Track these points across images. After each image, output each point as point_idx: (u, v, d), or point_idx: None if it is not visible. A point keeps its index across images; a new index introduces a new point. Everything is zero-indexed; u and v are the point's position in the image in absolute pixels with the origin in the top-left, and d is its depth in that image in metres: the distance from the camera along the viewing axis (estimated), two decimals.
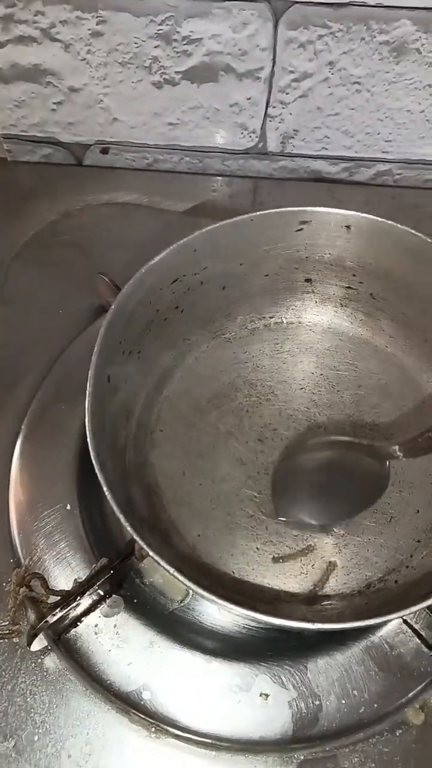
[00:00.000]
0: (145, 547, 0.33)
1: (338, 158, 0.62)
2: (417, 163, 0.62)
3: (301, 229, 0.44)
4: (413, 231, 0.42)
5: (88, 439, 0.36)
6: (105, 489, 0.34)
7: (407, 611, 0.32)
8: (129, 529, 0.33)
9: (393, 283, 0.46)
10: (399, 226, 0.42)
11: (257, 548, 0.43)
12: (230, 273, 0.47)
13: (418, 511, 0.44)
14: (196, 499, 0.44)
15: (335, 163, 0.63)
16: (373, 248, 0.44)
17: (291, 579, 0.42)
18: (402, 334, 0.48)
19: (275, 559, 0.42)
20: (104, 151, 0.64)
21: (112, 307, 0.39)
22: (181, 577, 0.31)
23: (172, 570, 0.32)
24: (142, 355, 0.45)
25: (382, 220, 0.42)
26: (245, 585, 0.42)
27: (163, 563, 0.32)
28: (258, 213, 0.42)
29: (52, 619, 0.40)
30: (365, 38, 0.52)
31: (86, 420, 0.36)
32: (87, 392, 0.37)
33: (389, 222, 0.42)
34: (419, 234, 0.43)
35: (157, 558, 0.33)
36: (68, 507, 0.46)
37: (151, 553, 0.33)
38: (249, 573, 0.42)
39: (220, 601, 0.32)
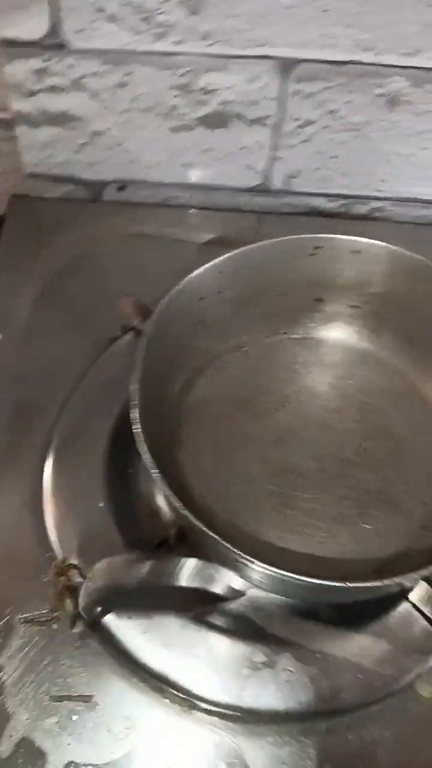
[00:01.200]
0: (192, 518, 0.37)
1: (336, 195, 0.68)
2: (407, 200, 0.68)
3: (314, 254, 0.49)
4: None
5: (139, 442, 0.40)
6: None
7: None
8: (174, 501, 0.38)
9: (396, 302, 0.52)
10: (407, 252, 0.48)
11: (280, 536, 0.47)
12: (250, 292, 0.52)
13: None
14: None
15: (333, 200, 0.68)
16: (379, 271, 0.50)
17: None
18: (404, 348, 0.54)
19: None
20: (121, 189, 0.68)
21: (152, 318, 0.44)
22: (227, 545, 0.36)
23: (219, 539, 0.36)
24: (171, 364, 0.50)
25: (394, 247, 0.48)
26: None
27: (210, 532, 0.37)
28: (279, 239, 0.48)
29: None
30: (364, 91, 0.58)
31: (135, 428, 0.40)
32: (133, 409, 0.41)
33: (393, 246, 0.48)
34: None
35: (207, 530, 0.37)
36: (101, 504, 0.50)
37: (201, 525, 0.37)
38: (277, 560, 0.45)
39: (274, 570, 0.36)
